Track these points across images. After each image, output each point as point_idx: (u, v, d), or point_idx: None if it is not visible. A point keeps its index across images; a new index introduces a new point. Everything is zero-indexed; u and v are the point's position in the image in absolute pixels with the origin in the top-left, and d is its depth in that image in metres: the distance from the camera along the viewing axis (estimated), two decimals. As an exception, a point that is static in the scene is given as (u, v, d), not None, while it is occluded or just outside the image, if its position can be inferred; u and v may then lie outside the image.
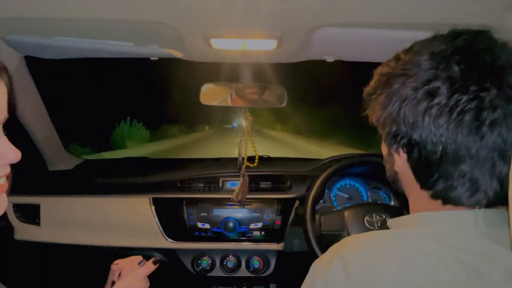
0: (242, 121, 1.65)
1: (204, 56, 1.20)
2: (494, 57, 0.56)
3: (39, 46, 1.13)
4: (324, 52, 1.16)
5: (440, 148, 0.57)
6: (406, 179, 0.66)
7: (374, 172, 1.68)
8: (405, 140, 0.61)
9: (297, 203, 1.60)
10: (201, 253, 1.61)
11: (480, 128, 0.54)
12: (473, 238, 0.56)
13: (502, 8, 0.84)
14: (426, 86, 0.57)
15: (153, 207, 1.58)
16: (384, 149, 0.70)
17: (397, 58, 0.64)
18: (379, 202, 1.70)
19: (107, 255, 1.63)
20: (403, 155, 0.63)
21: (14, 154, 0.58)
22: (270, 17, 0.94)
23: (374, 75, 0.67)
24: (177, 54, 1.17)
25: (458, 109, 0.54)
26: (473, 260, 0.54)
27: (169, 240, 1.56)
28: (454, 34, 0.60)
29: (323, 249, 1.32)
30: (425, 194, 0.62)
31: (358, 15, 0.93)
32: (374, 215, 1.32)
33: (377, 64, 0.68)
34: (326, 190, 1.58)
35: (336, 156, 1.79)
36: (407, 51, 0.63)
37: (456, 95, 0.54)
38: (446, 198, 0.59)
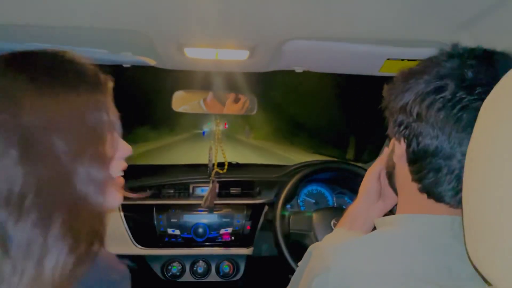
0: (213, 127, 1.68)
1: (178, 64, 1.22)
2: (507, 67, 0.59)
3: (9, 51, 1.11)
4: (294, 63, 1.21)
5: (436, 141, 0.60)
6: (401, 171, 0.69)
7: (339, 178, 1.76)
8: (408, 129, 0.64)
9: (266, 208, 1.64)
10: (171, 259, 1.61)
11: None
12: (448, 240, 0.60)
13: (456, 27, 0.92)
14: (438, 81, 0.60)
15: (122, 213, 1.57)
16: (390, 144, 0.74)
17: (422, 60, 0.67)
18: (344, 206, 1.77)
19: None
20: (403, 144, 0.66)
21: (129, 148, 0.70)
22: (242, 28, 0.98)
23: (397, 75, 0.70)
24: (150, 61, 1.19)
25: (460, 106, 0.57)
26: (445, 259, 0.58)
27: (139, 246, 1.56)
28: (471, 47, 0.64)
29: (290, 247, 1.38)
30: (414, 187, 0.65)
31: (325, 30, 0.99)
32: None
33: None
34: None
35: (303, 162, 1.86)
36: (428, 58, 0.66)
37: (461, 93, 0.58)
38: (431, 193, 0.63)
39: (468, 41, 0.96)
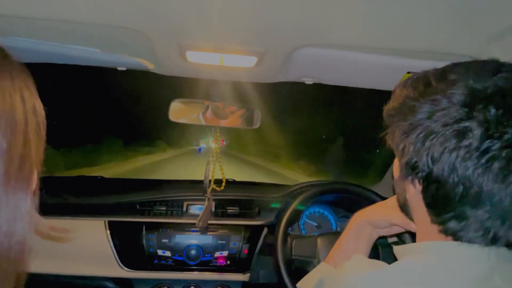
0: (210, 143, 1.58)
1: (178, 70, 1.13)
2: None
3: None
4: (304, 74, 1.13)
5: (461, 188, 0.55)
6: (417, 209, 0.64)
7: (343, 200, 1.65)
8: (424, 173, 0.58)
9: (265, 230, 1.53)
10: (160, 283, 1.48)
11: (508, 177, 0.52)
12: (484, 272, 0.55)
13: (486, 40, 0.85)
14: (457, 125, 0.54)
15: (108, 231, 1.44)
16: (396, 173, 0.68)
17: (426, 82, 0.60)
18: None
19: (55, 285, 1.46)
20: (418, 187, 0.61)
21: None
22: (251, 32, 0.90)
23: (397, 95, 0.64)
24: (148, 65, 1.09)
25: (489, 155, 0.52)
26: None
27: (125, 268, 1.43)
28: (494, 68, 0.57)
29: (291, 274, 1.27)
30: (434, 228, 0.60)
31: (340, 37, 0.91)
32: None
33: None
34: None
35: (305, 182, 1.75)
36: (440, 78, 0.59)
37: (488, 141, 0.52)
38: (459, 237, 0.57)
39: (499, 55, 0.89)
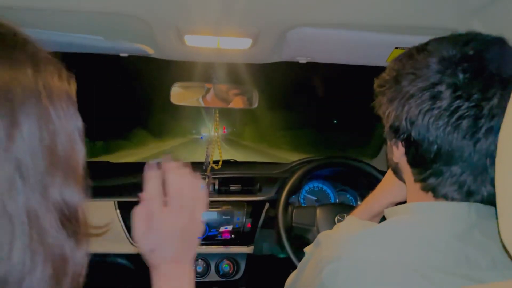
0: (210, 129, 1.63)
1: (177, 54, 1.17)
2: (501, 67, 0.59)
3: (-1, 37, 1.05)
4: (298, 53, 1.17)
5: (434, 147, 0.60)
6: (404, 170, 0.70)
7: (341, 174, 1.72)
8: (405, 135, 0.64)
9: (267, 205, 1.60)
10: (169, 258, 1.56)
11: (476, 134, 0.57)
12: (465, 228, 0.59)
13: (469, 13, 0.88)
14: (431, 89, 0.60)
15: (118, 211, 1.51)
16: (388, 145, 0.74)
17: (409, 55, 0.66)
18: (346, 203, 1.73)
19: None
20: (401, 149, 0.67)
21: None
22: (246, 14, 0.94)
23: (387, 68, 0.70)
24: (149, 50, 1.14)
25: (457, 114, 0.58)
26: (463, 247, 0.57)
27: (136, 245, 1.50)
28: (467, 39, 0.62)
29: (291, 240, 1.35)
30: (417, 186, 0.66)
31: (331, 16, 0.95)
32: (345, 215, 1.35)
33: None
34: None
35: (303, 159, 1.81)
36: (421, 49, 0.65)
37: (457, 101, 0.58)
38: (437, 192, 0.63)
39: (481, 27, 0.93)
